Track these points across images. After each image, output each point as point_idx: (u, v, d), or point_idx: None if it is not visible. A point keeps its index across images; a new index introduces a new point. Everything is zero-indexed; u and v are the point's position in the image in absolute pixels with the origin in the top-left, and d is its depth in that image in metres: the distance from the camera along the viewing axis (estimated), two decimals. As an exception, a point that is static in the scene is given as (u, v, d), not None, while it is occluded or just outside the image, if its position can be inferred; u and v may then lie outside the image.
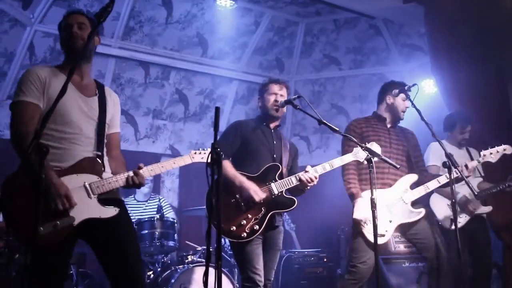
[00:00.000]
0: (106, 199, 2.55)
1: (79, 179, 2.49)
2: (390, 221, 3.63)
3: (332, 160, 3.40)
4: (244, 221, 3.19)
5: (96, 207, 2.50)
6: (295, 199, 3.31)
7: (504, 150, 3.86)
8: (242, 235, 3.17)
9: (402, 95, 3.86)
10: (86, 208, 2.47)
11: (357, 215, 3.59)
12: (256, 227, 3.20)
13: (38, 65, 2.82)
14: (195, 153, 2.92)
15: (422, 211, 3.68)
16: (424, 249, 3.68)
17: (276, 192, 3.27)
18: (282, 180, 3.30)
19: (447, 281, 3.63)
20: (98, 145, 2.61)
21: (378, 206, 3.48)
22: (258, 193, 3.19)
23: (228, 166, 3.29)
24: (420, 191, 3.71)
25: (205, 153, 2.91)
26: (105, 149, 2.68)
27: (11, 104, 2.52)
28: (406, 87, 3.73)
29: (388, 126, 3.92)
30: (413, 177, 3.76)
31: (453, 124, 4.57)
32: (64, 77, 2.46)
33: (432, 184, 3.70)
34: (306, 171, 3.28)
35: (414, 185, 3.77)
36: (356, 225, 3.62)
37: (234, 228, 3.17)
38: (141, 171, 2.62)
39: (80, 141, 2.54)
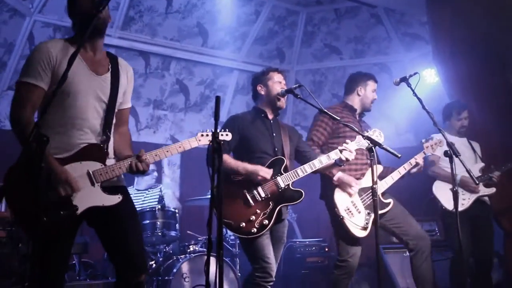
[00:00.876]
0: (109, 186, 2.52)
1: (82, 167, 2.44)
2: (369, 213, 3.60)
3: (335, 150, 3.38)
4: (253, 217, 3.17)
5: (100, 195, 2.46)
6: (302, 191, 3.28)
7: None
8: (252, 230, 3.14)
9: (371, 86, 3.93)
10: (90, 196, 2.43)
11: (339, 208, 3.56)
12: (266, 221, 3.17)
13: (51, 40, 2.67)
14: (202, 135, 2.80)
15: (391, 201, 3.70)
16: (402, 233, 3.69)
17: (282, 185, 3.25)
18: (288, 173, 3.28)
19: (429, 264, 3.66)
20: (104, 128, 2.53)
21: (355, 198, 3.60)
22: (266, 171, 3.18)
23: (228, 158, 3.26)
24: (388, 181, 3.73)
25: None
26: (112, 129, 2.60)
27: (15, 84, 2.45)
28: (407, 76, 3.70)
29: (357, 117, 3.96)
30: (380, 168, 3.77)
31: (449, 112, 4.60)
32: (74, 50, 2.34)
33: (396, 175, 3.74)
34: (342, 149, 3.31)
35: (379, 177, 3.76)
36: (337, 219, 3.57)
37: (244, 224, 3.14)
38: (144, 156, 2.54)
39: (85, 126, 2.47)
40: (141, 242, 2.60)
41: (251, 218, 3.16)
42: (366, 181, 3.68)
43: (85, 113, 2.47)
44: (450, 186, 4.21)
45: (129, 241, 2.50)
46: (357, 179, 3.68)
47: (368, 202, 3.62)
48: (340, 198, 3.60)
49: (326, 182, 3.74)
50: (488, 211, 4.47)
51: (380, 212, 3.60)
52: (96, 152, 2.50)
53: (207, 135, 2.78)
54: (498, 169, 4.38)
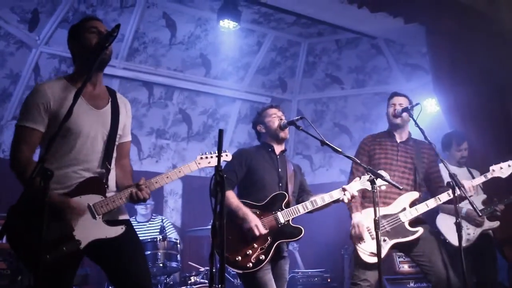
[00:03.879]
0: (112, 220, 2.52)
1: (82, 200, 2.44)
2: (384, 240, 3.55)
3: (335, 190, 3.38)
4: (250, 251, 3.13)
5: (102, 227, 2.46)
6: (301, 228, 3.25)
7: None
8: (248, 265, 3.10)
9: (390, 103, 3.87)
10: (92, 230, 2.43)
11: (353, 232, 3.59)
12: (262, 257, 3.13)
13: (49, 81, 2.67)
14: (201, 158, 2.75)
15: (419, 230, 3.56)
16: (428, 272, 3.57)
17: (282, 221, 3.23)
18: (288, 209, 3.26)
19: None
20: (104, 161, 2.53)
21: (371, 225, 3.49)
22: (259, 228, 3.13)
23: (231, 196, 3.24)
24: (419, 209, 3.61)
25: (211, 157, 2.76)
26: (113, 162, 2.60)
27: (15, 126, 2.50)
28: (409, 106, 3.72)
29: (398, 141, 3.83)
30: (413, 195, 3.67)
31: (449, 143, 4.60)
32: (74, 89, 2.42)
33: (431, 203, 3.61)
34: (344, 190, 3.31)
35: (413, 204, 3.68)
36: (352, 242, 3.63)
37: (240, 258, 3.10)
38: (143, 184, 2.53)
39: (85, 161, 2.48)
40: (148, 273, 2.57)
41: (248, 253, 3.12)
42: (392, 209, 3.63)
43: (85, 148, 2.48)
44: (454, 219, 4.21)
45: (137, 274, 2.48)
46: (385, 204, 3.65)
47: (388, 229, 3.57)
48: (357, 220, 3.59)
49: None
50: (491, 242, 4.42)
51: (402, 240, 3.56)
52: (95, 186, 2.51)
53: (206, 157, 2.76)
54: (502, 202, 4.34)
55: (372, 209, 3.51)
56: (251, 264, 3.09)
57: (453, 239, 4.18)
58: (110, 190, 2.59)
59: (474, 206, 3.37)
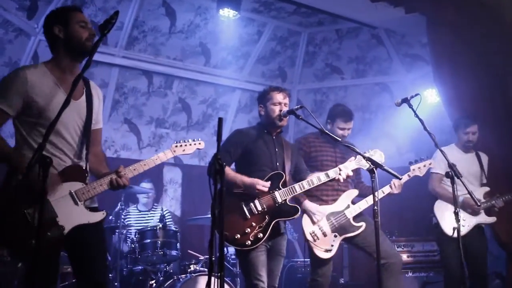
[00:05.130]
0: (91, 207, 2.60)
1: (64, 187, 2.51)
2: (336, 236, 3.79)
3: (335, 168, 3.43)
4: (248, 229, 3.21)
5: (84, 213, 2.54)
6: (298, 207, 3.35)
7: (430, 164, 3.95)
8: (247, 243, 3.19)
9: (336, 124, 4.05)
10: (75, 215, 2.50)
11: (305, 231, 3.77)
12: (260, 235, 3.22)
13: (29, 66, 2.69)
14: (176, 146, 2.96)
15: (362, 225, 3.84)
16: (372, 251, 3.67)
17: (279, 200, 3.30)
18: (285, 188, 3.34)
19: (397, 281, 3.77)
20: (81, 149, 2.61)
21: (323, 222, 3.79)
22: (264, 184, 3.24)
23: (227, 170, 3.27)
24: (361, 205, 3.90)
25: (185, 145, 3.00)
26: (88, 150, 2.67)
27: None
28: (409, 97, 3.72)
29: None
30: (354, 192, 3.95)
31: (457, 125, 4.61)
32: (53, 77, 2.51)
33: (371, 199, 3.73)
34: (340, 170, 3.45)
35: (356, 199, 3.95)
36: (306, 240, 3.79)
37: (239, 236, 3.19)
38: (123, 172, 2.62)
39: (64, 149, 2.54)
40: (106, 273, 2.74)
41: (246, 231, 3.21)
42: (337, 206, 3.89)
43: (64, 137, 2.54)
44: (452, 207, 4.23)
45: (95, 270, 2.55)
46: (330, 204, 3.88)
47: (336, 225, 3.81)
48: (306, 223, 3.79)
49: None
50: (483, 236, 4.42)
51: (349, 235, 3.84)
52: (76, 173, 2.57)
53: (181, 145, 2.99)
54: (502, 198, 4.33)
55: (321, 207, 3.83)
56: (249, 242, 3.19)
57: (446, 227, 4.21)
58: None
59: (473, 195, 3.41)
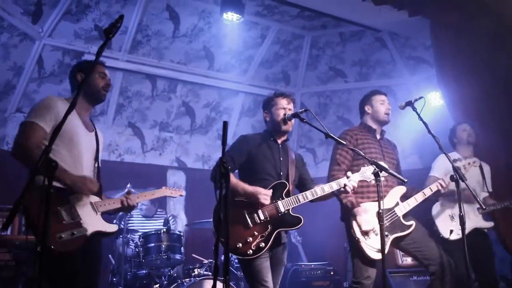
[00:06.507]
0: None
1: (85, 198, 2.83)
2: (387, 235, 3.56)
3: (339, 179, 3.38)
4: (250, 238, 3.16)
5: (102, 222, 2.88)
6: (301, 217, 3.28)
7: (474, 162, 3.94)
8: (248, 252, 3.14)
9: (376, 99, 3.92)
10: (95, 222, 2.83)
11: (356, 230, 3.56)
12: (262, 244, 3.16)
13: (58, 98, 3.03)
14: (166, 189, 3.55)
15: (412, 224, 3.64)
16: (423, 258, 3.60)
17: (282, 210, 3.25)
18: (289, 198, 3.28)
19: None
20: (94, 171, 3.00)
21: (372, 220, 3.54)
22: (266, 194, 3.19)
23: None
24: (411, 203, 3.68)
25: (173, 191, 3.58)
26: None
27: (23, 122, 2.80)
28: (413, 100, 3.71)
29: (378, 137, 3.94)
30: (402, 189, 3.73)
31: (452, 129, 4.58)
32: (75, 114, 2.89)
33: (420, 197, 3.71)
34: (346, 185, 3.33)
35: (402, 198, 3.75)
36: (353, 241, 3.58)
37: (240, 245, 3.14)
38: (131, 194, 3.10)
39: (84, 163, 2.88)
40: (98, 278, 2.93)
41: (248, 240, 3.16)
42: (387, 203, 3.63)
43: (82, 152, 2.90)
44: (450, 211, 4.21)
45: (91, 274, 2.83)
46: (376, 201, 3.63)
47: (387, 224, 3.58)
48: (357, 220, 3.58)
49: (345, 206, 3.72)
50: (487, 238, 4.39)
51: (400, 234, 3.60)
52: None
53: (170, 189, 3.59)
54: (503, 204, 4.30)
55: (369, 204, 3.58)
56: (251, 251, 3.14)
57: (443, 230, 4.18)
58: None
59: (478, 198, 3.40)
